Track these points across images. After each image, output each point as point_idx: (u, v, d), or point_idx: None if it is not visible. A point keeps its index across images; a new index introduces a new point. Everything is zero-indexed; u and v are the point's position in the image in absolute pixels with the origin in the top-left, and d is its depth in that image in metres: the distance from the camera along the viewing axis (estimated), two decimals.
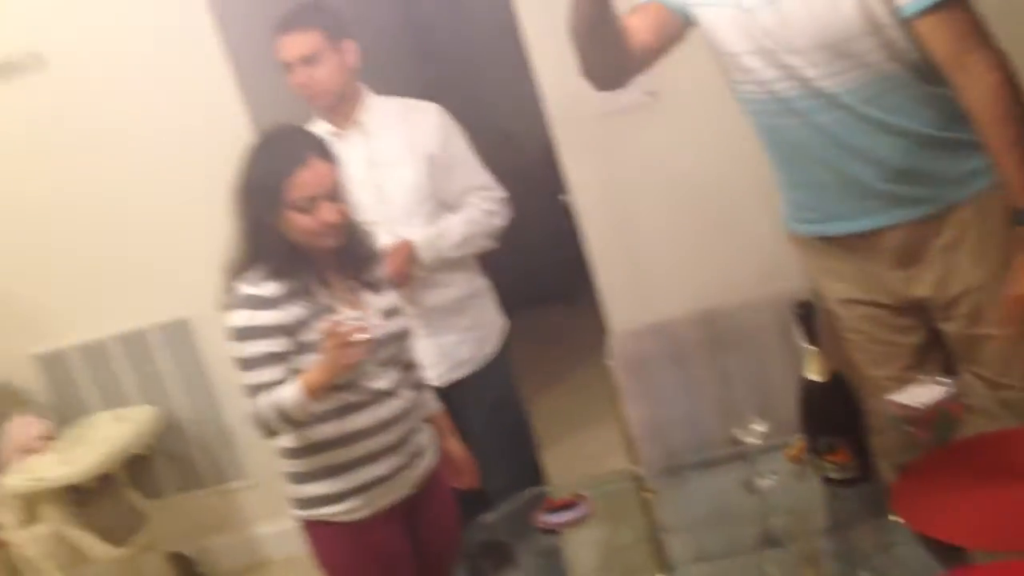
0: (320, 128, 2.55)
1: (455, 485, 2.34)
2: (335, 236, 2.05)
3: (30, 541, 3.16)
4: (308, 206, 2.00)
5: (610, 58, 1.98)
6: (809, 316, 1.69)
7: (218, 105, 3.21)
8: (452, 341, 2.68)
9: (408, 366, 2.25)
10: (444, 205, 2.67)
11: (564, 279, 4.75)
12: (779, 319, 2.04)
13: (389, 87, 2.80)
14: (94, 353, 3.50)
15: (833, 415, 1.71)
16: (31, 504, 3.18)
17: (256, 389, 2.00)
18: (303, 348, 2.01)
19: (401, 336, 2.18)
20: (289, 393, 1.97)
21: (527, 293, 4.99)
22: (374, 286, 2.16)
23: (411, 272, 2.56)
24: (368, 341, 1.94)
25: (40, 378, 3.55)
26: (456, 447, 2.36)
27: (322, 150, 2.05)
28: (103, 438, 3.29)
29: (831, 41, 1.79)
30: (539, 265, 5.04)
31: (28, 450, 3.29)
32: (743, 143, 2.11)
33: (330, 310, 2.04)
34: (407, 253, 2.55)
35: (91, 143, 3.31)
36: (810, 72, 1.82)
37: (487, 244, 2.75)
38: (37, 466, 3.19)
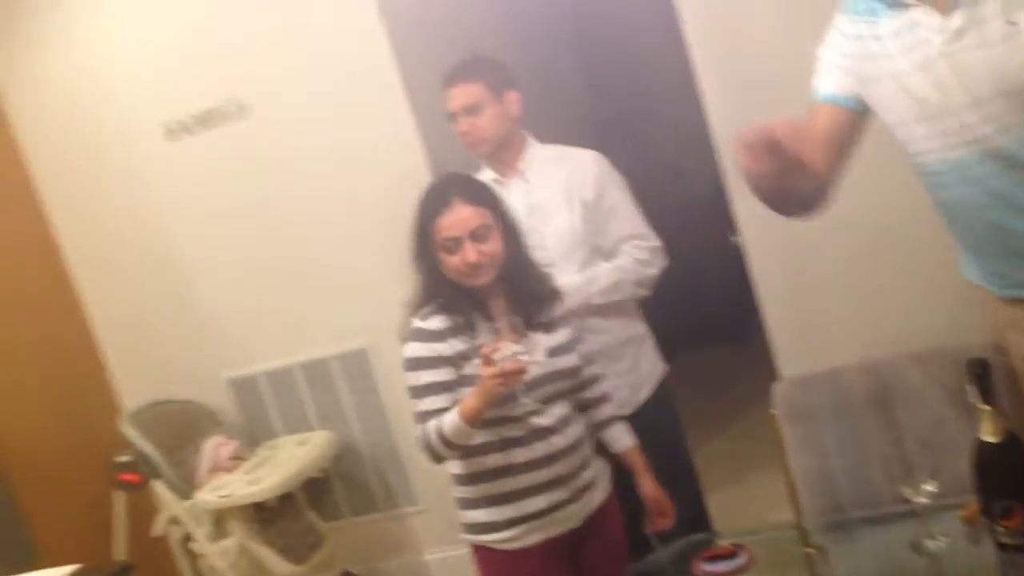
0: (486, 175, 2.70)
1: (650, 528, 2.36)
2: (479, 275, 2.14)
3: (219, 554, 3.38)
4: (453, 247, 2.12)
5: (799, 199, 1.90)
6: (985, 374, 1.64)
7: (400, 150, 3.37)
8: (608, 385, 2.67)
9: (585, 403, 2.32)
10: (599, 252, 2.71)
11: (734, 319, 4.69)
12: (952, 374, 1.97)
13: (561, 127, 2.89)
14: (280, 379, 3.73)
15: (1009, 478, 1.65)
16: (221, 519, 3.41)
17: (423, 416, 2.14)
18: (465, 380, 2.12)
19: (568, 374, 2.24)
20: (449, 420, 2.09)
21: (695, 332, 4.96)
22: (544, 324, 2.23)
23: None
24: (520, 372, 2.00)
25: (233, 401, 3.81)
26: (649, 487, 2.37)
27: (468, 194, 2.16)
28: (286, 460, 3.49)
29: (1012, 88, 1.72)
30: (708, 304, 4.99)
31: (221, 469, 3.54)
32: (922, 191, 2.06)
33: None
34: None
35: (285, 184, 3.55)
36: (986, 128, 1.75)
37: (638, 292, 2.76)
38: (227, 484, 3.41)
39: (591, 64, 5.83)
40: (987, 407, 1.64)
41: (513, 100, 2.70)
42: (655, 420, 2.75)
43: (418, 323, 2.17)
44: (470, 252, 2.12)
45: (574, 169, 2.72)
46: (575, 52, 5.75)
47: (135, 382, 3.88)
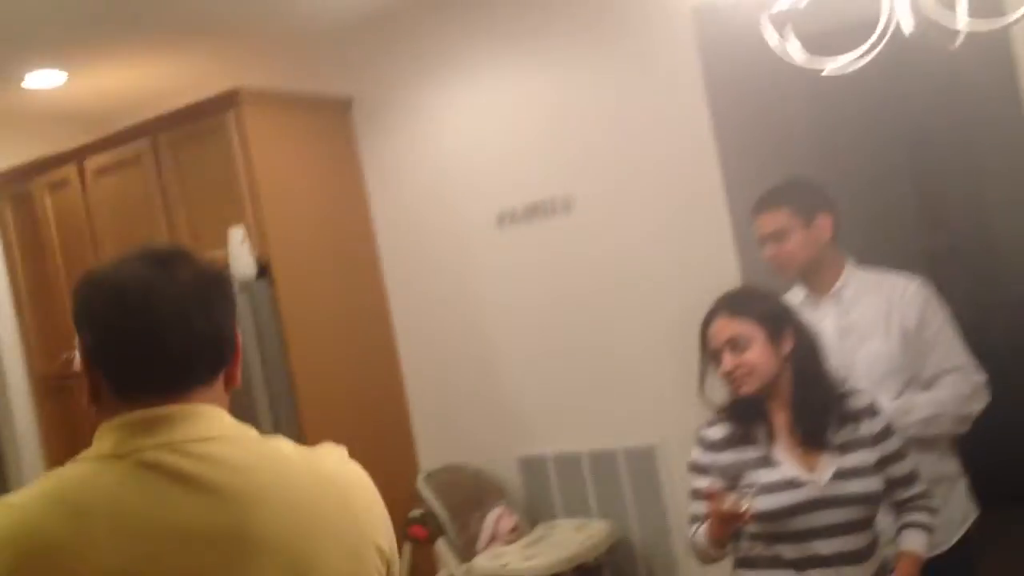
0: (797, 294, 2.69)
1: None
2: (738, 384, 2.19)
3: None
4: (716, 356, 2.22)
5: None
6: None
7: (713, 262, 3.44)
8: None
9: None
10: (916, 382, 2.58)
11: None
12: None
13: (887, 253, 2.82)
14: (567, 463, 3.85)
15: None
16: None
17: (692, 519, 2.22)
18: (740, 491, 2.12)
19: (860, 500, 2.15)
20: (701, 533, 2.15)
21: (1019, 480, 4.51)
22: (837, 445, 2.18)
23: None
24: (737, 518, 2.04)
25: (519, 477, 3.97)
26: None
27: (731, 307, 2.25)
28: (563, 542, 3.57)
29: None
30: None
31: (500, 539, 3.68)
32: None
33: (767, 461, 2.15)
34: None
35: (596, 278, 3.72)
36: None
37: (956, 428, 2.59)
38: (505, 555, 3.54)
39: (925, 192, 5.59)
40: None
41: (824, 224, 2.66)
42: (952, 570, 2.53)
43: (703, 430, 2.27)
44: (725, 360, 2.20)
45: (896, 295, 2.62)
46: (909, 179, 5.55)
47: (434, 445, 4.16)
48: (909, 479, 2.27)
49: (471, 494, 3.84)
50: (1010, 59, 2.84)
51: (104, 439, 1.19)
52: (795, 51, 1.86)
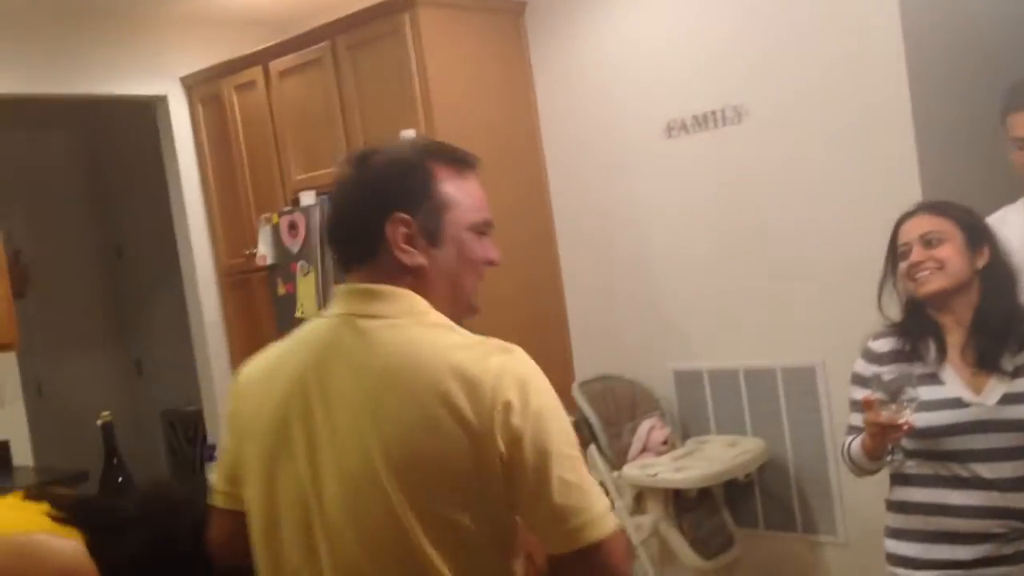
0: (1017, 207, 2.53)
1: None
2: (922, 281, 2.11)
3: (634, 528, 3.55)
4: (906, 252, 2.14)
5: None
6: None
7: (893, 173, 3.27)
8: None
9: None
10: None
11: None
12: None
13: None
14: (723, 379, 3.81)
15: None
16: (641, 497, 3.58)
17: (849, 429, 2.19)
18: (900, 404, 2.03)
19: None
20: (856, 444, 2.11)
21: None
22: (1008, 370, 2.08)
23: None
24: (896, 430, 1.96)
25: (674, 390, 3.96)
26: None
27: (933, 207, 2.18)
28: (714, 457, 3.56)
29: None
30: None
31: (651, 450, 3.71)
32: None
33: (933, 378, 2.08)
34: None
35: (765, 190, 3.61)
36: None
37: None
38: (655, 465, 3.57)
39: None
40: None
41: None
42: None
43: (870, 342, 2.21)
44: (916, 252, 2.12)
45: None
46: None
47: (591, 353, 4.19)
48: None
49: (625, 404, 3.87)
50: None
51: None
52: None
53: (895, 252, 2.19)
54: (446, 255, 1.47)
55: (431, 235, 1.45)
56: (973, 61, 3.52)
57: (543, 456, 1.35)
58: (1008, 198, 2.62)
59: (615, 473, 3.64)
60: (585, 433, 3.75)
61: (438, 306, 1.46)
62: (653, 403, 3.93)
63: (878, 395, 2.01)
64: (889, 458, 2.14)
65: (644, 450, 3.73)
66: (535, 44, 4.20)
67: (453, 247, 1.47)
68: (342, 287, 1.49)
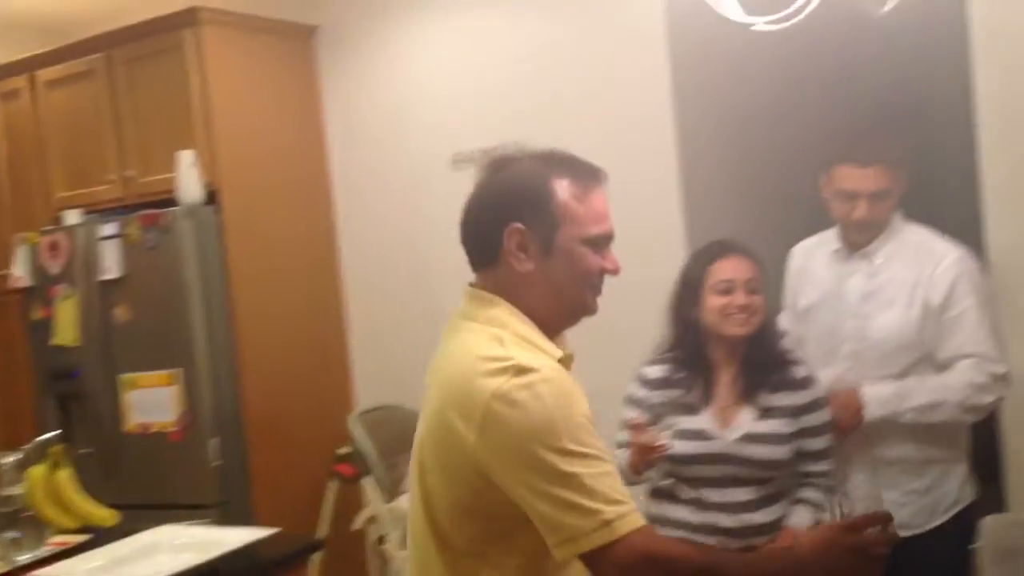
0: (827, 240, 2.57)
1: None
2: (744, 322, 2.23)
3: (405, 560, 3.51)
4: (727, 289, 2.24)
5: None
6: None
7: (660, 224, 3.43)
8: (893, 498, 2.37)
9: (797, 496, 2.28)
10: (931, 363, 2.41)
11: None
12: None
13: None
14: None
15: None
16: None
17: (618, 445, 2.30)
18: (661, 425, 2.25)
19: (758, 465, 2.22)
20: (624, 459, 2.22)
21: None
22: (763, 409, 2.24)
23: (854, 425, 2.38)
24: (653, 450, 2.14)
25: None
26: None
27: (745, 250, 2.29)
28: None
29: None
30: None
31: None
32: None
33: (691, 408, 2.25)
34: (853, 406, 2.37)
35: None
36: None
37: (963, 418, 2.42)
38: None
39: None
40: None
41: (902, 181, 2.44)
42: (940, 550, 2.42)
43: (643, 367, 2.35)
44: (740, 296, 2.23)
45: (928, 268, 2.39)
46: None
47: (371, 384, 4.14)
48: (820, 455, 2.30)
49: (403, 435, 3.81)
50: None
51: None
52: (730, 6, 1.86)
53: (696, 285, 2.28)
54: (555, 265, 1.56)
55: (545, 245, 1.55)
56: (743, 114, 3.75)
57: (514, 485, 1.45)
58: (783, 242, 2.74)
59: (389, 505, 3.60)
60: (359, 464, 3.70)
61: (541, 312, 1.57)
62: None
63: (643, 418, 2.19)
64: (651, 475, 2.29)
65: None
66: (326, 68, 4.16)
67: (563, 258, 1.56)
68: (466, 287, 1.63)
